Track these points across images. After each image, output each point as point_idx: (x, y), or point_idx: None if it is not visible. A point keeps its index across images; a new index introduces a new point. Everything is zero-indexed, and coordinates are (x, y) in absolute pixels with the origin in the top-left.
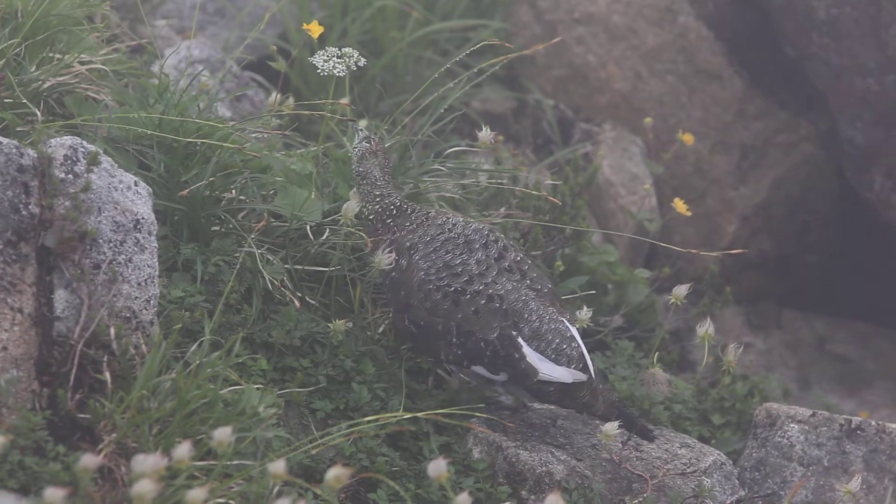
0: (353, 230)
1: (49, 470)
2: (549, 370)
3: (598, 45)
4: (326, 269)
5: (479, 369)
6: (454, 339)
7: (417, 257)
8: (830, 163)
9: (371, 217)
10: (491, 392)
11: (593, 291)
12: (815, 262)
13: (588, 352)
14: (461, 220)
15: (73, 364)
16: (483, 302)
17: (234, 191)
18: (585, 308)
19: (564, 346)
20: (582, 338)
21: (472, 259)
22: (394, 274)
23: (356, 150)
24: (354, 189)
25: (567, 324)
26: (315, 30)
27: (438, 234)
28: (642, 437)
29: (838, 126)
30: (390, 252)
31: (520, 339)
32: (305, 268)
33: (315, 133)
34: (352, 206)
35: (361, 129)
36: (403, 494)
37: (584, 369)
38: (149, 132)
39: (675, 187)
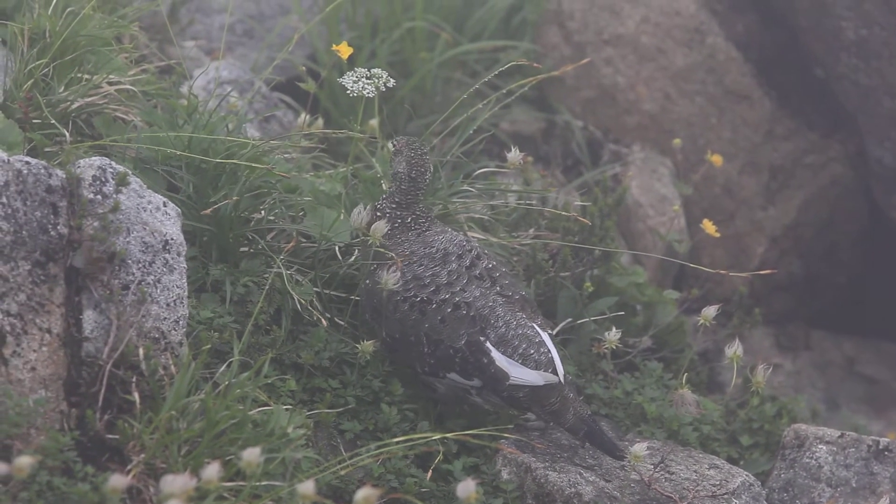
0: (380, 251)
1: (78, 491)
2: (519, 374)
3: (626, 67)
4: (353, 296)
5: (453, 376)
6: (425, 349)
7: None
8: (859, 183)
9: (377, 214)
10: (472, 402)
11: (622, 312)
12: (843, 282)
13: (560, 359)
14: (448, 236)
15: (102, 384)
16: (449, 310)
17: (262, 211)
18: (614, 329)
19: (532, 351)
20: (612, 354)
21: (445, 270)
22: (367, 281)
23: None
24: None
25: (537, 329)
26: (344, 51)
27: (421, 249)
28: (611, 455)
29: (867, 146)
30: (395, 271)
31: (488, 345)
32: (333, 293)
33: (344, 154)
34: (380, 227)
35: (397, 140)
36: None
37: (555, 373)
38: (177, 153)
39: (703, 208)
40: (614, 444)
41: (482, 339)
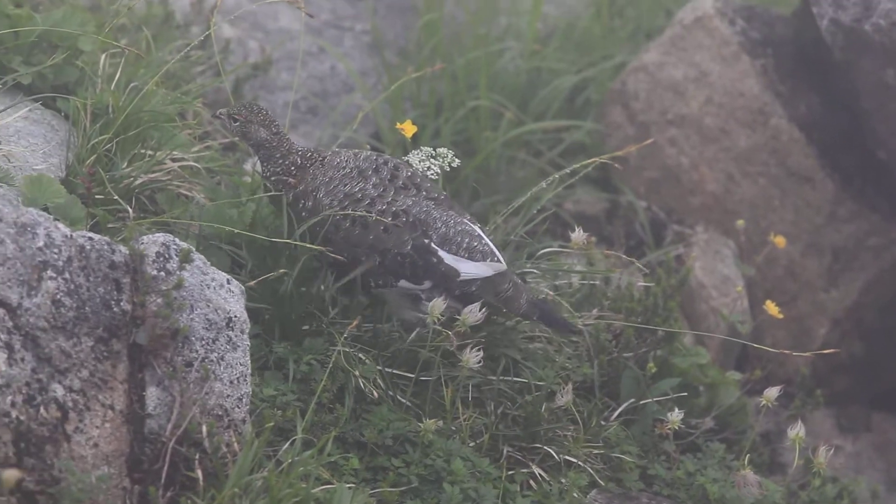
0: (440, 329)
1: None
2: (468, 268)
3: (690, 147)
4: (412, 374)
5: (403, 283)
6: (376, 261)
7: (321, 195)
8: None
9: (273, 179)
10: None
11: (685, 393)
12: None
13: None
14: (352, 153)
15: (165, 461)
16: (390, 219)
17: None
18: (677, 410)
19: (475, 244)
20: (674, 435)
21: (369, 184)
22: (304, 214)
23: (234, 132)
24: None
25: (470, 224)
26: (409, 129)
27: (336, 173)
28: (565, 330)
29: None
30: (478, 351)
31: (433, 245)
32: (395, 371)
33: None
34: (438, 304)
35: (221, 113)
36: None
37: (500, 261)
38: (240, 231)
39: (766, 289)
40: (566, 322)
41: (427, 241)
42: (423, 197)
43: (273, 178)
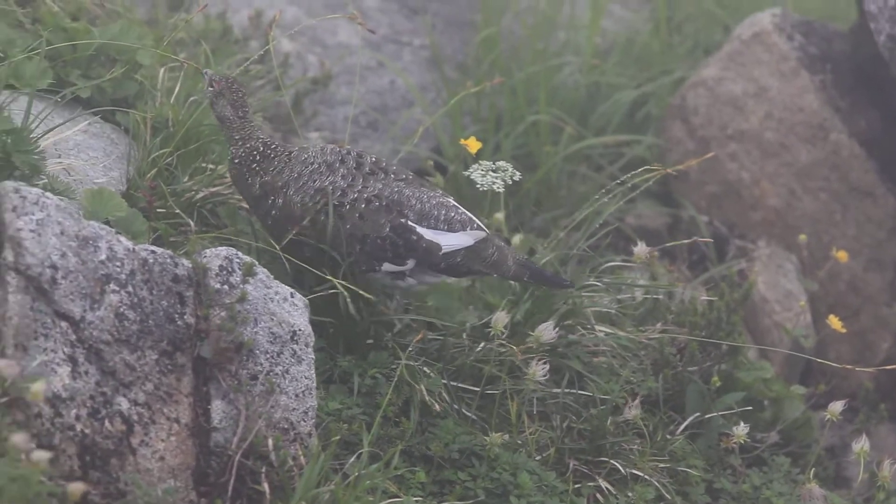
0: (504, 343)
1: None
2: (449, 240)
3: (751, 162)
4: (478, 388)
5: (387, 266)
6: (357, 249)
7: (291, 192)
8: None
9: (237, 161)
10: (404, 287)
11: (750, 407)
12: None
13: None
14: (318, 148)
15: (231, 475)
16: (363, 206)
17: (388, 304)
18: (742, 424)
19: (452, 214)
20: (740, 449)
21: (338, 176)
22: (274, 213)
23: (206, 96)
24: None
25: (444, 196)
26: (473, 145)
27: (304, 169)
28: (559, 286)
29: None
30: (544, 364)
31: (411, 223)
32: (460, 385)
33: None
34: (501, 318)
35: (206, 72)
36: None
37: (480, 228)
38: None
39: (829, 304)
40: (559, 277)
41: (404, 220)
42: (392, 179)
43: (237, 161)
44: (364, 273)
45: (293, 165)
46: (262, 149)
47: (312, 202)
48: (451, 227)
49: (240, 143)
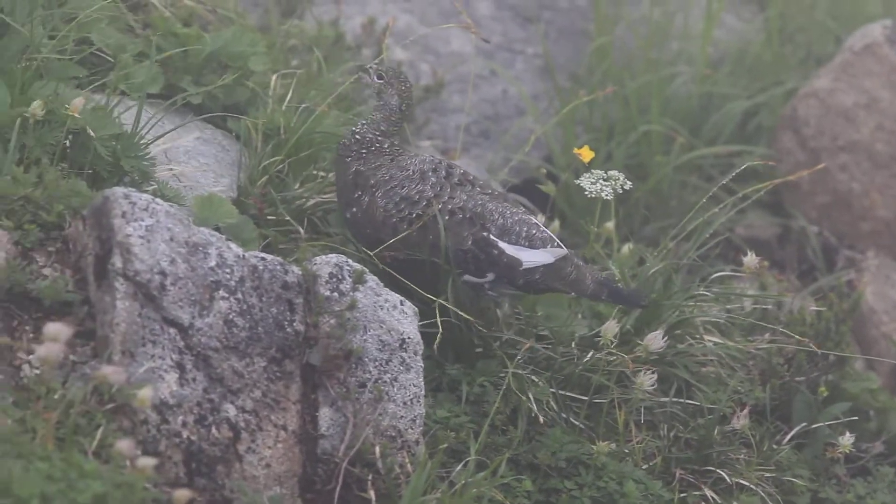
0: (613, 352)
1: None
2: (530, 256)
3: (861, 173)
4: (585, 397)
5: (467, 277)
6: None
7: (378, 195)
8: None
9: (349, 141)
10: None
11: (856, 417)
12: None
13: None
14: (419, 158)
15: (338, 482)
16: (447, 218)
17: (499, 313)
18: (848, 434)
19: (534, 232)
20: (845, 459)
21: (427, 185)
22: (355, 210)
23: (372, 87)
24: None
25: (525, 214)
26: (586, 155)
27: (398, 173)
28: (636, 305)
29: None
30: (652, 374)
31: (493, 238)
32: (568, 393)
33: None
34: (611, 327)
35: (371, 67)
36: None
37: (560, 246)
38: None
39: None
40: (636, 295)
41: (486, 234)
42: (478, 192)
43: (349, 140)
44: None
45: (391, 168)
46: (385, 146)
47: (396, 209)
48: (531, 243)
49: (379, 133)
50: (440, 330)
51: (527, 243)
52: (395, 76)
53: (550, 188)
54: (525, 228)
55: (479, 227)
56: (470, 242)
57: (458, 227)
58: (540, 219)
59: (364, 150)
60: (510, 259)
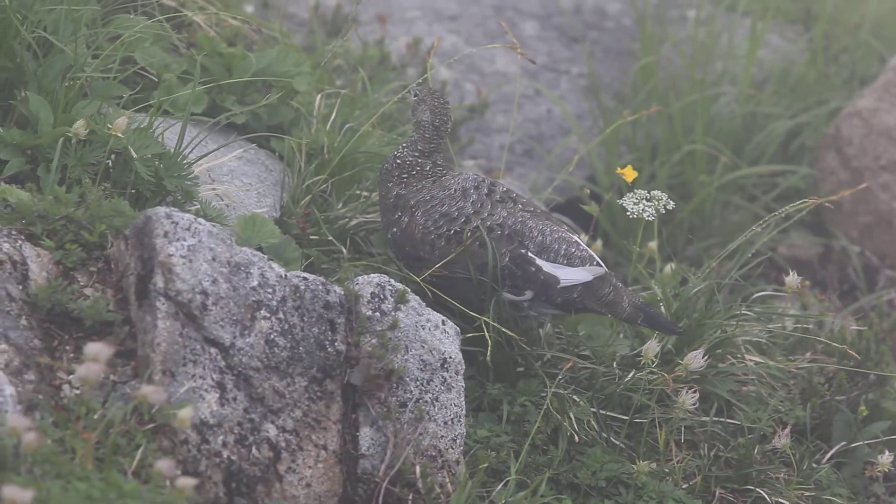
0: (654, 371)
1: None
2: (568, 274)
3: None
4: (626, 416)
5: (505, 295)
6: (477, 276)
7: (418, 215)
8: None
9: (390, 165)
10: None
11: (895, 437)
12: None
13: None
14: (462, 177)
15: (378, 502)
16: (485, 234)
17: (541, 332)
18: (887, 452)
19: (573, 250)
20: (884, 477)
21: (468, 203)
22: (395, 230)
23: (410, 107)
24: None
25: (567, 232)
26: (629, 174)
27: (440, 192)
28: (670, 332)
29: None
30: (694, 393)
31: (531, 255)
32: (608, 413)
33: (621, 276)
34: (653, 346)
35: (413, 88)
36: None
37: (599, 265)
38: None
39: None
40: (671, 323)
41: (524, 251)
42: (519, 209)
43: (390, 165)
44: (482, 302)
45: (433, 189)
46: (427, 169)
47: (435, 226)
48: (570, 261)
49: (418, 153)
50: (489, 344)
51: (565, 261)
52: (429, 93)
53: (593, 208)
54: (564, 246)
55: (517, 244)
56: (507, 259)
57: (497, 243)
58: (583, 238)
59: (405, 175)
60: (547, 276)
